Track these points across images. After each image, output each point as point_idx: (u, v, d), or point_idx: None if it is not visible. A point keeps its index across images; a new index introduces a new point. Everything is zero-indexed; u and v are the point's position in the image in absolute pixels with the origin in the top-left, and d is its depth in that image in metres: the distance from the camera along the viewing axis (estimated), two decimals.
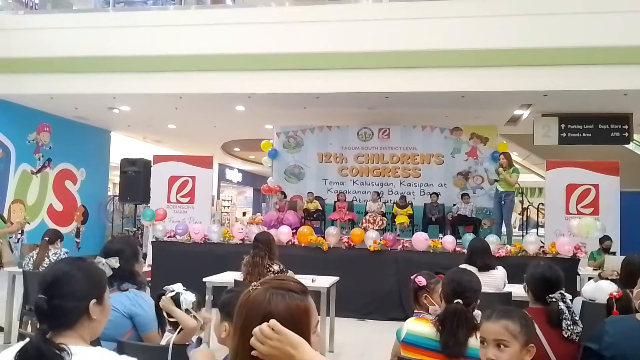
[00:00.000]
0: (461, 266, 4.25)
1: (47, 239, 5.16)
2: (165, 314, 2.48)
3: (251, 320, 1.20)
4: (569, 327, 2.37)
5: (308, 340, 1.23)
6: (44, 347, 1.36)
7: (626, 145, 10.70)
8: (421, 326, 2.47)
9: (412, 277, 2.82)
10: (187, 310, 2.44)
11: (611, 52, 7.49)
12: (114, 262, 2.61)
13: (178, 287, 2.53)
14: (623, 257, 3.63)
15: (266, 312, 1.20)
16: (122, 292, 2.64)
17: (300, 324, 1.23)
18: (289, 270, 4.97)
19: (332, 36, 8.20)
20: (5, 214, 9.18)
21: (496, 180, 8.67)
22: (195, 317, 2.46)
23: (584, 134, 9.36)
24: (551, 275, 2.54)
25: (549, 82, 7.77)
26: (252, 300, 1.24)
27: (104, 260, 2.62)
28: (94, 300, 1.53)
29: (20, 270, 5.27)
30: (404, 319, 2.63)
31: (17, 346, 1.44)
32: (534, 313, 2.48)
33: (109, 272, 2.60)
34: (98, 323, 1.56)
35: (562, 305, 2.42)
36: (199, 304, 2.55)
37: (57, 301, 1.47)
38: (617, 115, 9.25)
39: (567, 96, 8.22)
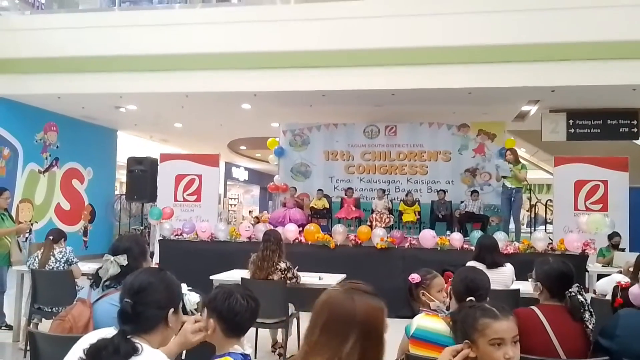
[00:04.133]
0: (469, 263, 4.24)
1: (51, 238, 5.21)
2: None
3: (335, 319, 1.31)
4: (589, 319, 2.39)
5: (382, 338, 1.35)
6: (122, 345, 1.54)
7: (635, 141, 10.61)
8: (433, 322, 2.45)
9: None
10: (191, 312, 2.43)
11: (619, 46, 7.43)
12: (122, 260, 2.62)
13: (182, 287, 2.52)
14: (632, 253, 3.62)
15: (351, 311, 1.31)
16: None
17: (379, 324, 1.34)
18: (295, 268, 4.97)
19: (338, 33, 8.18)
20: (13, 214, 9.22)
21: (504, 177, 8.60)
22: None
23: (592, 130, 9.30)
24: (567, 271, 2.56)
25: (556, 78, 7.71)
26: (334, 300, 1.35)
27: (112, 258, 2.62)
28: (172, 310, 1.71)
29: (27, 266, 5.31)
30: (412, 317, 2.61)
31: (96, 334, 1.63)
32: (547, 309, 2.47)
33: (117, 270, 2.61)
34: (171, 331, 1.74)
35: (581, 298, 2.43)
36: (204, 304, 2.54)
37: (141, 307, 1.65)
38: (626, 110, 9.18)
39: (575, 92, 8.17)
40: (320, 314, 1.34)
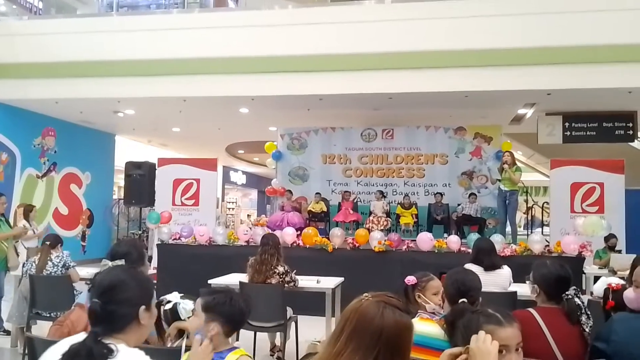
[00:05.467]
0: (467, 266, 4.26)
1: (48, 243, 5.23)
2: (164, 323, 2.46)
3: (362, 330, 1.32)
4: (586, 322, 2.39)
5: (408, 356, 1.36)
6: (95, 347, 1.48)
7: (631, 143, 10.66)
8: (427, 326, 2.46)
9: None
10: (187, 320, 2.43)
11: (615, 50, 7.47)
12: (120, 264, 2.63)
13: (174, 296, 2.48)
14: (628, 255, 3.63)
15: (378, 325, 1.32)
16: None
17: (404, 341, 1.35)
18: (293, 272, 4.98)
19: (335, 38, 8.21)
20: (10, 219, 9.21)
21: (498, 180, 8.64)
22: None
23: (588, 133, 9.34)
24: (565, 274, 2.57)
25: (552, 81, 7.75)
26: (364, 310, 1.35)
27: (110, 263, 2.64)
28: (143, 307, 1.63)
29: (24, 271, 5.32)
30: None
31: (65, 342, 1.56)
32: (544, 312, 2.48)
33: None
34: (145, 328, 1.67)
35: (578, 301, 2.44)
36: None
37: (112, 306, 1.58)
38: (622, 113, 9.22)
39: (570, 95, 8.20)
40: (349, 322, 1.35)
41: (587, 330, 2.40)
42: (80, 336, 1.56)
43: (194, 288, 2.58)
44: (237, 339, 4.97)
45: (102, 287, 1.61)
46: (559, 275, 2.55)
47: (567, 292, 2.49)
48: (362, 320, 1.33)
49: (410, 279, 2.79)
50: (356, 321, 1.34)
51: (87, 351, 1.47)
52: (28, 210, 7.75)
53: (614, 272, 5.71)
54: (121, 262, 2.65)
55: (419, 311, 2.67)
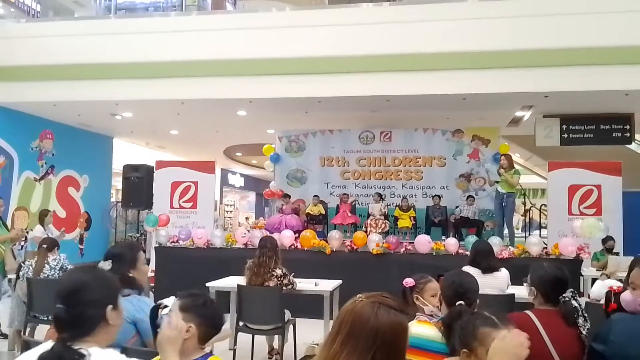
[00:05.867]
0: (464, 268, 4.26)
1: (45, 246, 5.25)
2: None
3: (358, 331, 1.32)
4: (583, 324, 2.40)
5: (403, 355, 1.36)
6: (64, 354, 1.44)
7: (628, 146, 10.69)
8: (425, 329, 2.47)
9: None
10: None
11: (612, 52, 7.49)
12: (107, 265, 2.64)
13: (171, 301, 2.50)
14: (626, 257, 3.64)
15: (373, 326, 1.31)
16: (123, 297, 2.63)
17: (400, 340, 1.35)
18: (291, 274, 4.98)
19: (333, 40, 8.22)
20: (9, 222, 9.20)
21: (497, 182, 8.66)
22: None
23: (585, 135, 9.35)
24: (562, 276, 2.58)
25: (549, 83, 7.77)
26: (359, 311, 1.34)
27: (106, 265, 2.66)
28: (110, 306, 1.59)
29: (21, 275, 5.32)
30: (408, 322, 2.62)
31: (36, 351, 1.50)
32: (541, 314, 2.49)
33: None
34: (114, 327, 1.63)
35: (575, 303, 2.44)
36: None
37: (78, 309, 1.53)
38: (619, 115, 9.24)
39: (568, 97, 8.22)
40: (344, 324, 1.35)
41: (584, 332, 2.41)
42: (48, 344, 1.51)
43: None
44: (235, 343, 4.98)
45: (65, 291, 1.55)
46: (555, 277, 2.56)
47: (564, 295, 2.49)
48: (357, 321, 1.33)
49: (408, 281, 2.80)
50: (351, 323, 1.33)
51: (57, 358, 1.43)
52: (43, 215, 7.80)
53: (607, 277, 5.73)
54: (107, 263, 2.65)
55: (417, 313, 2.68)
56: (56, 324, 1.53)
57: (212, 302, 2.00)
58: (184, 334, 1.85)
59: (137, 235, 12.30)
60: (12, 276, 5.69)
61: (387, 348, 1.33)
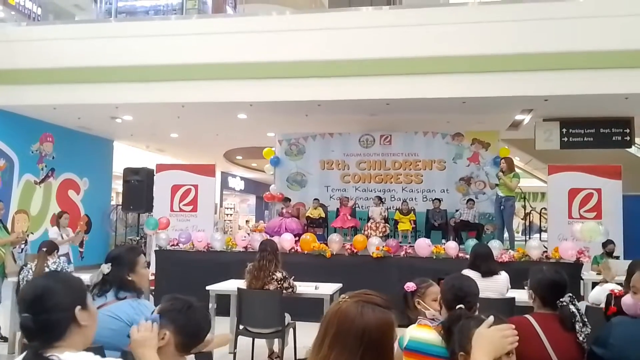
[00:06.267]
0: (464, 271, 4.26)
1: (44, 249, 5.27)
2: None
3: (344, 332, 1.31)
4: (582, 330, 2.39)
5: (392, 352, 1.35)
6: None
7: (628, 149, 10.69)
8: (424, 333, 2.46)
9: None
10: None
11: (612, 56, 7.50)
12: (106, 268, 2.64)
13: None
14: (626, 260, 3.64)
15: (359, 325, 1.31)
16: (119, 300, 2.63)
17: (386, 337, 1.34)
18: (291, 278, 4.98)
19: (333, 44, 8.24)
20: (9, 225, 9.20)
21: (497, 185, 8.67)
22: None
23: (585, 138, 9.36)
24: (560, 280, 2.57)
25: (549, 87, 7.78)
26: (344, 312, 1.34)
27: (107, 268, 2.67)
28: (78, 307, 1.56)
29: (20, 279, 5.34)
30: (408, 326, 2.63)
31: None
32: (540, 318, 2.49)
33: (99, 278, 2.64)
34: (88, 328, 1.59)
35: (572, 308, 2.44)
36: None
37: (43, 316, 1.50)
38: (619, 119, 9.25)
39: (568, 101, 8.23)
40: (329, 326, 1.35)
41: (580, 338, 2.40)
42: (20, 357, 1.48)
43: (192, 294, 2.55)
44: (235, 346, 4.98)
45: (27, 300, 1.53)
46: (552, 281, 2.55)
47: (562, 299, 2.49)
48: (342, 322, 1.33)
49: (410, 285, 2.79)
50: (337, 324, 1.33)
51: None
52: (58, 217, 7.92)
53: (605, 282, 5.71)
54: (107, 265, 2.67)
55: (418, 317, 2.68)
56: (25, 333, 1.51)
57: (193, 309, 1.92)
58: (159, 340, 1.79)
59: (137, 238, 12.29)
60: (14, 279, 5.69)
61: (374, 345, 1.32)
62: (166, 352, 1.80)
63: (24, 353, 1.46)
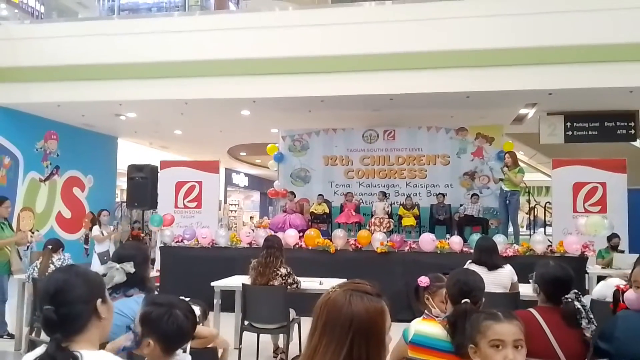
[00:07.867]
0: (468, 265, 4.26)
1: (50, 247, 5.38)
2: None
3: (333, 321, 1.31)
4: (587, 326, 2.38)
5: (383, 340, 1.33)
6: (58, 356, 1.42)
7: (633, 143, 10.65)
8: (430, 327, 2.46)
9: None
10: None
11: (616, 49, 7.47)
12: (129, 267, 2.63)
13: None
14: (631, 254, 3.63)
15: (348, 313, 1.30)
16: (128, 297, 2.62)
17: (376, 325, 1.33)
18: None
19: (336, 39, 8.22)
20: (14, 222, 9.24)
21: (501, 179, 8.65)
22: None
23: (590, 132, 9.33)
24: (563, 275, 2.55)
25: (553, 81, 7.75)
26: (333, 301, 1.34)
27: (117, 265, 2.64)
28: (99, 300, 1.59)
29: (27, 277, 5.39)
30: (412, 320, 2.63)
31: (32, 355, 1.50)
32: (543, 311, 2.49)
33: (123, 277, 2.62)
34: (107, 321, 1.62)
35: (578, 304, 2.42)
36: (205, 314, 2.53)
37: (65, 309, 1.51)
38: (623, 112, 9.21)
39: (572, 94, 8.20)
40: (319, 316, 1.35)
41: (587, 335, 2.39)
42: (40, 350, 1.49)
43: (197, 291, 2.58)
44: (241, 342, 4.99)
45: (49, 293, 1.54)
46: (556, 277, 2.54)
47: (567, 296, 2.48)
48: (331, 311, 1.33)
49: (423, 280, 2.78)
50: (326, 314, 1.33)
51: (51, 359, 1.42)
52: (97, 215, 8.36)
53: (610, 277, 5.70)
54: (130, 264, 2.64)
55: (424, 311, 2.69)
56: (47, 326, 1.51)
57: (174, 316, 1.93)
58: (145, 348, 1.83)
59: (142, 235, 12.33)
60: (21, 276, 5.73)
61: (364, 332, 1.32)
62: (154, 355, 1.86)
63: (45, 346, 1.46)
